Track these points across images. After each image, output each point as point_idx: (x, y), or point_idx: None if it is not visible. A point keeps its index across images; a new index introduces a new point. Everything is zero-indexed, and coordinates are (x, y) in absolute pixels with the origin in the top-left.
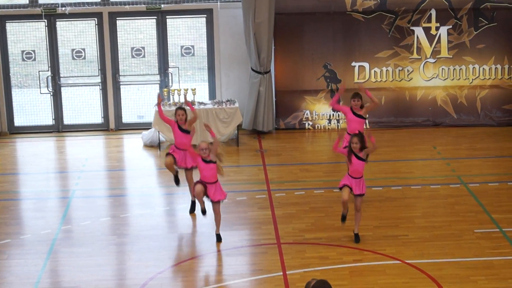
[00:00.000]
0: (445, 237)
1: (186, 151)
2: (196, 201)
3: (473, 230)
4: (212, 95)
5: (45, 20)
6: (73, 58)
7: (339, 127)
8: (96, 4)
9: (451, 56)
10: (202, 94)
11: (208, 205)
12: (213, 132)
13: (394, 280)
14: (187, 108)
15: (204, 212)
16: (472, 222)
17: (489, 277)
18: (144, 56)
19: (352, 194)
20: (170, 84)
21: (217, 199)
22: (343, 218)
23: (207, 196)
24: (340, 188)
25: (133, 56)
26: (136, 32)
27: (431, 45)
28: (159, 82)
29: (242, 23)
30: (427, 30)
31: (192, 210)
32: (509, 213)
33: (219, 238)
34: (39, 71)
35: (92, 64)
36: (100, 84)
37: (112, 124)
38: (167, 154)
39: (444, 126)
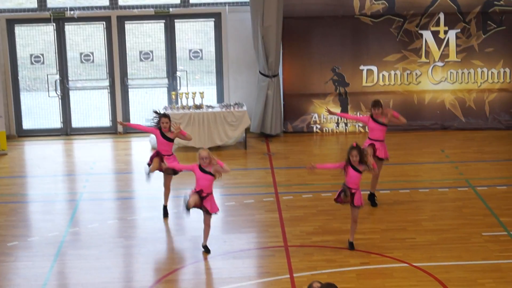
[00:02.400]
0: (452, 240)
1: (167, 157)
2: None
3: (481, 233)
4: (220, 98)
5: (54, 24)
6: (82, 62)
7: (347, 130)
8: (104, 8)
9: (460, 60)
10: (210, 98)
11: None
12: (221, 162)
13: (402, 283)
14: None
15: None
16: (480, 226)
17: (496, 280)
18: (152, 60)
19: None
20: (178, 87)
21: (213, 212)
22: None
23: (202, 208)
24: (337, 201)
25: (141, 60)
26: (144, 36)
27: (439, 48)
28: (167, 85)
29: (250, 27)
30: (435, 34)
31: (165, 215)
32: None
33: (207, 250)
34: (47, 75)
35: (100, 67)
36: (108, 87)
37: (120, 127)
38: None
39: (452, 129)
